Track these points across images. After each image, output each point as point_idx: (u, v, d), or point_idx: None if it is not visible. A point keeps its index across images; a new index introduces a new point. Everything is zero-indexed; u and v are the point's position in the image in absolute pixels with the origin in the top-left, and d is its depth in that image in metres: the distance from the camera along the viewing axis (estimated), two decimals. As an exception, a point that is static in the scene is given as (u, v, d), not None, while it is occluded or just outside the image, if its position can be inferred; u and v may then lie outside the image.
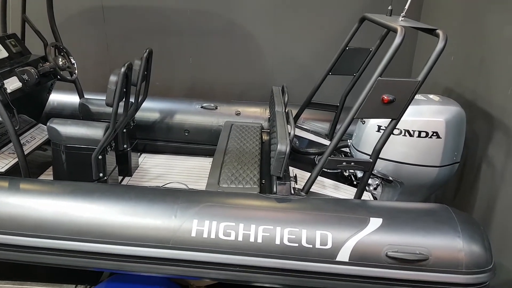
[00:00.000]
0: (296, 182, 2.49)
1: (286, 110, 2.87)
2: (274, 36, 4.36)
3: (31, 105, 3.39)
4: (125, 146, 3.23)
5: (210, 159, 2.72)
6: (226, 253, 1.99)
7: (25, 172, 2.47)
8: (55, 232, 2.04)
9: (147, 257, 2.02)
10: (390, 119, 2.26)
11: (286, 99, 3.05)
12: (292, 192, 2.41)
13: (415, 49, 4.24)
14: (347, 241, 1.98)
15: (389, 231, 2.01)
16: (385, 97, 2.18)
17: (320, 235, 1.99)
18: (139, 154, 3.73)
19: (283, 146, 2.27)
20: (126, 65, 2.56)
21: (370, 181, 2.91)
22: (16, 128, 2.54)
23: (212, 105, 3.74)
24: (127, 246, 2.01)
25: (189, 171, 3.58)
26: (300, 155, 3.16)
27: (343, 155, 3.20)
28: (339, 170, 3.15)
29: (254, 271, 2.01)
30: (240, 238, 2.00)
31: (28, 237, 2.05)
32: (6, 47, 2.98)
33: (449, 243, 1.98)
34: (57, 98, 3.76)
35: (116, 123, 2.65)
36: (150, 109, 3.73)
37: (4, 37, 3.05)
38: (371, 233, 2.00)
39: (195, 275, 2.05)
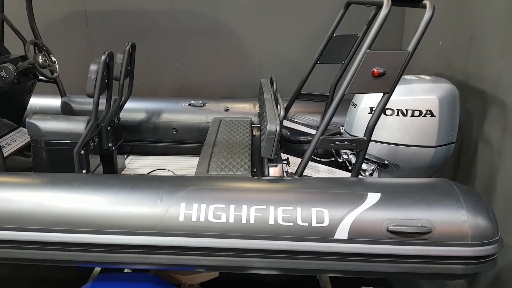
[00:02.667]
0: (288, 164, 2.38)
1: (276, 96, 2.78)
2: (260, 33, 4.32)
3: (11, 108, 3.27)
4: (110, 144, 3.10)
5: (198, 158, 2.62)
6: (217, 237, 1.86)
7: (1, 167, 2.34)
8: (33, 224, 1.90)
9: (132, 246, 1.87)
10: (382, 94, 2.19)
11: (275, 87, 2.97)
12: (285, 175, 2.30)
13: (404, 27, 4.20)
14: (345, 217, 1.86)
15: (388, 205, 1.90)
16: (376, 70, 2.11)
17: (316, 213, 1.87)
18: (125, 156, 3.60)
19: (272, 126, 2.17)
20: (106, 53, 2.47)
21: (365, 166, 2.81)
22: None
23: (200, 102, 3.65)
24: (109, 235, 1.86)
25: (178, 171, 3.46)
26: (292, 144, 3.06)
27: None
28: (333, 158, 3.05)
29: (248, 254, 1.87)
30: (231, 220, 1.87)
31: (4, 230, 1.90)
32: (-17, 46, 2.89)
33: (452, 215, 1.87)
34: (38, 102, 3.64)
35: (99, 118, 2.54)
36: (136, 109, 3.62)
37: (-19, 36, 2.97)
38: (369, 208, 1.88)
39: (185, 263, 1.90)
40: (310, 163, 2.95)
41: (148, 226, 1.87)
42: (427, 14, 2.12)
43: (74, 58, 4.39)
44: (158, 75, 4.50)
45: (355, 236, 1.85)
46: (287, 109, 3.40)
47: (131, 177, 2.14)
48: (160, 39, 4.39)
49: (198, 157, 2.60)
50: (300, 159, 2.76)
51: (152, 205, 1.91)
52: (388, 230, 1.84)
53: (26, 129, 3.28)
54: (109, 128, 3.05)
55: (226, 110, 3.62)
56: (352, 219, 1.86)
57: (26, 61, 2.93)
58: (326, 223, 1.86)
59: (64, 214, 1.91)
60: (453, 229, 1.85)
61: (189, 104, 3.64)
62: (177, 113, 3.62)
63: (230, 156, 2.58)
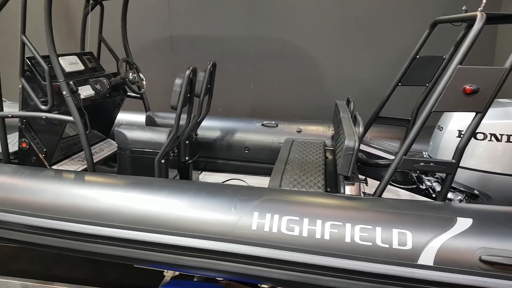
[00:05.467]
0: (366, 184, 2.26)
1: (354, 114, 2.70)
2: (335, 56, 4.30)
3: (101, 121, 3.55)
4: (187, 158, 3.22)
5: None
6: (289, 250, 1.79)
7: (90, 169, 2.51)
8: (116, 221, 1.99)
9: (204, 250, 1.87)
10: (474, 114, 2.02)
11: (352, 107, 2.90)
12: (362, 196, 2.19)
13: (495, 47, 3.91)
14: (431, 242, 1.70)
15: (482, 232, 1.71)
16: (467, 87, 1.96)
17: (398, 234, 1.74)
18: (200, 172, 3.70)
19: (351, 142, 2.09)
20: (191, 68, 2.59)
21: (451, 195, 2.58)
22: (87, 132, 2.63)
23: (273, 122, 3.68)
24: (183, 237, 1.89)
25: (249, 189, 3.47)
26: (369, 167, 2.92)
27: (415, 174, 2.89)
28: (414, 186, 2.85)
29: (321, 272, 1.78)
30: (304, 234, 1.80)
31: (88, 224, 2.02)
32: (83, 62, 3.20)
33: (561, 250, 1.63)
34: (125, 117, 3.92)
35: (178, 132, 2.65)
36: (212, 127, 3.74)
37: (81, 53, 3.30)
38: (459, 234, 1.71)
39: (254, 273, 1.85)
40: (391, 187, 2.79)
41: (221, 232, 1.86)
42: (529, 28, 1.95)
43: (157, 78, 4.70)
44: (233, 97, 4.65)
45: (442, 263, 1.67)
46: (364, 131, 3.28)
47: (207, 184, 2.18)
48: (236, 63, 4.55)
49: (269, 177, 2.59)
50: (377, 182, 2.63)
51: (226, 211, 1.91)
52: (481, 260, 1.64)
53: (113, 141, 3.54)
54: (187, 142, 3.18)
55: (299, 131, 3.60)
56: (439, 244, 1.70)
57: (118, 76, 3.19)
58: (409, 246, 1.71)
59: (142, 214, 1.98)
60: (562, 266, 1.60)
61: (262, 125, 3.68)
62: (250, 133, 3.67)
63: (303, 174, 2.53)
